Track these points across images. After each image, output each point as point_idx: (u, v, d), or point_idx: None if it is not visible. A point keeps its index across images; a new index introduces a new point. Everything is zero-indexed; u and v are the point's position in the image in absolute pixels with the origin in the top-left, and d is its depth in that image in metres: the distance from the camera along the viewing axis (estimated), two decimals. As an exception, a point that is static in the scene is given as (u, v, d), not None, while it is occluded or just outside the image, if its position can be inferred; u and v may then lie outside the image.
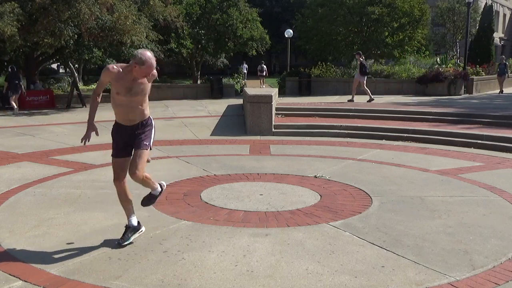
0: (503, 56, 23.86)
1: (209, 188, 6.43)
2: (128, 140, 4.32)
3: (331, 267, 3.96)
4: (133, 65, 4.09)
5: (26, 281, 3.69)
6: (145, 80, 4.20)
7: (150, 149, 4.35)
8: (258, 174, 7.35)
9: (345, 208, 5.61)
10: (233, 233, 4.73)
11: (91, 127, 4.40)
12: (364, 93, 16.37)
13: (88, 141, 4.38)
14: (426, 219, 5.24)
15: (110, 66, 4.22)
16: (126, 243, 4.34)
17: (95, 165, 7.91)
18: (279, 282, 3.70)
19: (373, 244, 4.48)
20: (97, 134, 4.41)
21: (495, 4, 50.52)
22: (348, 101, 16.20)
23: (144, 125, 4.34)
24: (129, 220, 4.47)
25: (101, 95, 4.38)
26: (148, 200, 4.62)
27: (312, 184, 6.69)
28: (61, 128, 12.38)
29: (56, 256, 4.17)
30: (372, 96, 16.29)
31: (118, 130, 4.38)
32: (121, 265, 3.99)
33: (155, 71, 4.21)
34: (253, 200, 5.88)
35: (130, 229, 4.43)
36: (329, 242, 4.52)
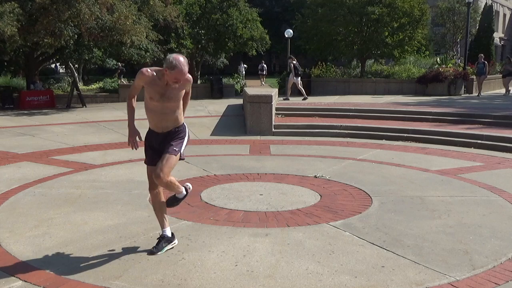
0: (482, 55, 21.99)
1: (209, 188, 6.43)
2: (160, 148, 4.14)
3: (331, 267, 3.96)
4: (164, 69, 3.96)
5: (26, 281, 3.69)
6: (180, 85, 4.05)
7: (181, 157, 4.14)
8: (258, 174, 7.35)
9: (345, 208, 5.61)
10: (233, 233, 4.73)
11: (133, 132, 4.17)
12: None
13: (137, 147, 4.17)
14: (426, 219, 5.24)
15: (144, 69, 4.06)
16: (160, 252, 4.20)
17: (95, 165, 7.91)
18: (279, 282, 3.70)
19: (373, 244, 4.48)
20: (140, 138, 4.19)
21: (495, 4, 50.51)
22: (284, 99, 17.21)
23: (177, 132, 4.16)
24: (163, 231, 4.33)
25: (135, 97, 4.21)
26: (172, 203, 4.42)
27: (312, 184, 6.69)
28: (61, 128, 12.38)
29: (56, 256, 4.17)
30: (306, 96, 17.51)
31: (150, 137, 4.22)
32: (121, 265, 3.99)
33: (189, 76, 4.06)
34: (253, 200, 5.88)
35: (164, 240, 4.28)
36: (329, 242, 4.52)
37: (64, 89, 21.60)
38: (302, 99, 16.99)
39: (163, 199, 4.36)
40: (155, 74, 4.01)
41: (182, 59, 3.94)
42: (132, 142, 4.17)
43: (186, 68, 3.93)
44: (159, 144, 4.15)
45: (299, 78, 17.60)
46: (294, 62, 17.37)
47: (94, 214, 5.33)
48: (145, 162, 4.29)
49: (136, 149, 4.19)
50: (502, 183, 6.79)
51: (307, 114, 13.75)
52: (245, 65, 36.52)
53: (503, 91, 24.05)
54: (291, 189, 6.46)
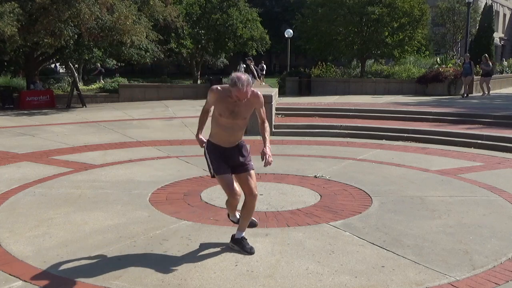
0: (468, 54, 21.02)
1: (209, 188, 6.43)
2: (227, 160, 4.21)
3: (331, 267, 3.96)
4: (229, 86, 4.00)
5: (26, 281, 3.69)
6: (250, 103, 4.10)
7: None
8: (258, 174, 7.32)
9: (345, 208, 5.61)
10: (233, 233, 4.72)
11: (200, 142, 4.41)
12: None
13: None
14: (426, 219, 5.24)
15: (214, 87, 4.16)
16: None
17: (95, 165, 7.91)
18: (279, 282, 3.70)
19: (373, 244, 4.48)
20: (201, 146, 4.38)
21: (495, 4, 50.51)
22: None
23: (241, 146, 4.29)
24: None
25: (208, 112, 4.41)
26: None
27: (312, 184, 6.69)
28: (61, 128, 12.38)
29: (56, 256, 4.17)
30: None
31: (215, 149, 4.23)
32: (121, 265, 3.98)
33: (257, 92, 4.12)
34: (253, 200, 5.87)
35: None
36: (329, 242, 4.52)
37: (64, 89, 21.58)
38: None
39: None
40: (223, 91, 4.06)
41: (243, 77, 3.96)
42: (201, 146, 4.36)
43: (245, 86, 3.92)
44: (225, 158, 4.21)
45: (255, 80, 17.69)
46: (252, 64, 17.57)
47: (94, 214, 5.33)
48: (219, 174, 4.18)
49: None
50: (502, 183, 6.79)
51: (307, 114, 13.75)
52: (244, 65, 36.36)
53: (503, 91, 24.07)
54: (291, 189, 6.46)
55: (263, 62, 36.16)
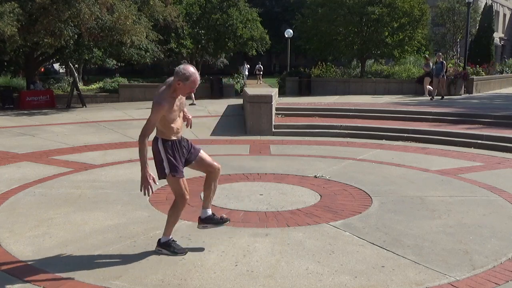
0: (440, 54, 19.55)
1: (209, 188, 6.42)
2: (181, 155, 4.14)
3: (331, 267, 3.96)
4: (175, 83, 3.93)
5: (26, 281, 3.69)
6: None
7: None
8: (258, 174, 7.35)
9: (345, 208, 5.61)
10: (233, 233, 4.73)
11: (148, 175, 3.92)
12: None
13: (149, 193, 3.95)
14: (426, 219, 5.24)
15: (160, 101, 3.90)
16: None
17: (95, 165, 7.92)
18: (279, 282, 3.70)
19: (373, 244, 4.48)
20: (155, 182, 3.98)
21: (495, 4, 50.52)
22: (189, 104, 17.22)
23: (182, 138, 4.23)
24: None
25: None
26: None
27: (312, 184, 6.69)
28: (61, 128, 12.38)
29: (56, 256, 4.17)
30: (194, 102, 17.47)
31: (171, 146, 4.06)
32: (121, 265, 3.98)
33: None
34: (253, 200, 5.88)
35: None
36: (329, 242, 4.52)
37: (64, 89, 21.60)
38: (189, 104, 17.22)
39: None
40: (167, 97, 3.94)
41: (192, 68, 3.98)
42: (147, 188, 3.91)
43: (198, 76, 4.00)
44: (182, 151, 4.15)
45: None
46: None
47: (94, 214, 5.33)
48: (178, 176, 4.05)
49: (149, 195, 3.99)
50: (502, 183, 6.79)
51: (307, 114, 13.75)
52: (248, 65, 36.16)
53: (503, 91, 24.04)
54: (291, 189, 6.46)
55: (259, 62, 36.11)
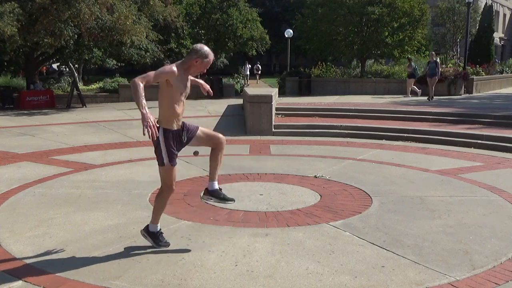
0: (433, 53, 19.02)
1: (209, 188, 6.42)
2: (179, 145, 4.13)
3: (331, 267, 3.96)
4: (193, 60, 3.94)
5: (26, 281, 3.69)
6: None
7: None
8: (258, 174, 7.35)
9: (345, 208, 5.61)
10: (233, 233, 4.73)
11: (149, 114, 3.71)
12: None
13: (157, 134, 3.81)
14: (426, 219, 5.24)
15: (170, 67, 3.89)
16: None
17: (95, 165, 7.91)
18: (279, 282, 3.70)
19: (373, 244, 4.48)
20: (151, 124, 3.77)
21: (495, 4, 50.52)
22: None
23: (183, 124, 4.18)
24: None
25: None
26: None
27: (312, 184, 6.69)
28: (61, 128, 12.38)
29: (56, 256, 4.17)
30: None
31: (170, 136, 4.02)
32: (121, 265, 3.99)
33: None
34: (253, 200, 5.88)
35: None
36: (329, 242, 4.51)
37: (64, 89, 21.61)
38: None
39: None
40: (179, 70, 3.95)
41: (206, 47, 4.06)
42: (148, 127, 3.69)
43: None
44: (178, 141, 4.11)
45: None
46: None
47: (94, 214, 5.32)
48: (171, 164, 4.06)
49: (155, 138, 3.83)
50: (502, 183, 6.79)
51: (307, 114, 13.75)
52: (249, 65, 35.89)
53: (503, 91, 24.06)
54: (291, 189, 6.46)
55: (258, 62, 36.04)
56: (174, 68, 3.90)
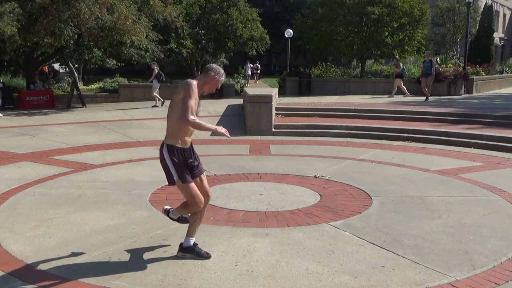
0: (429, 52, 18.72)
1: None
2: (187, 164, 4.03)
3: (331, 267, 3.96)
4: (210, 78, 3.99)
5: (26, 281, 3.69)
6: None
7: None
8: (258, 174, 7.35)
9: (345, 208, 5.61)
10: (233, 233, 4.73)
11: (217, 129, 4.02)
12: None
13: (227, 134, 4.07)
14: (426, 219, 5.24)
15: (193, 84, 3.90)
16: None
17: (95, 165, 7.91)
18: (279, 282, 3.70)
19: (373, 244, 4.48)
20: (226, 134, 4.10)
21: (495, 4, 50.50)
22: (152, 106, 17.31)
23: (192, 146, 4.12)
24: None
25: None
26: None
27: (312, 184, 6.69)
28: (61, 128, 12.38)
29: (56, 256, 4.17)
30: (162, 100, 17.28)
31: (178, 154, 3.96)
32: (121, 265, 3.99)
33: None
34: (253, 200, 5.88)
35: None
36: (329, 242, 4.51)
37: (64, 89, 21.60)
38: (152, 106, 17.32)
39: None
40: (197, 85, 3.95)
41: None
42: (224, 132, 4.02)
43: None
44: (186, 160, 4.02)
45: (159, 84, 17.71)
46: (157, 68, 17.66)
47: (94, 214, 5.33)
48: (186, 181, 3.96)
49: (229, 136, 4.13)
50: (502, 183, 6.79)
51: (307, 114, 13.75)
52: (251, 65, 35.59)
53: (503, 91, 24.05)
54: (291, 189, 6.46)
55: (257, 62, 35.94)
56: (195, 83, 3.94)
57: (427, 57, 17.71)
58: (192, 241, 4.16)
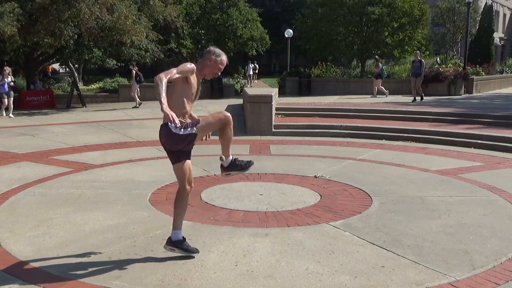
0: (418, 52, 18.29)
1: (209, 188, 6.43)
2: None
3: (331, 267, 3.96)
4: (207, 60, 3.98)
5: (26, 281, 3.69)
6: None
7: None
8: (258, 174, 7.34)
9: (345, 208, 5.61)
10: (233, 233, 4.73)
11: (170, 114, 3.68)
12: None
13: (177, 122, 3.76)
14: (426, 219, 5.24)
15: (190, 64, 3.93)
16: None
17: (95, 165, 7.91)
18: (279, 282, 3.70)
19: (373, 244, 4.48)
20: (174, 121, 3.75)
21: (495, 4, 50.52)
22: (133, 107, 17.37)
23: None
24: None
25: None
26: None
27: (312, 184, 6.69)
28: (61, 128, 12.38)
29: (56, 256, 4.17)
30: (140, 101, 17.56)
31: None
32: (121, 265, 3.98)
33: None
34: (253, 200, 5.88)
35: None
36: (329, 242, 4.51)
37: (64, 89, 21.60)
38: (132, 107, 17.37)
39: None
40: (196, 68, 3.95)
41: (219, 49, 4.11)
42: (174, 117, 3.68)
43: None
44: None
45: (139, 85, 17.77)
46: (135, 69, 17.77)
47: (94, 214, 5.32)
48: (187, 159, 4.15)
49: (179, 125, 3.83)
50: (502, 183, 6.79)
51: (307, 114, 13.75)
52: (252, 65, 35.35)
53: (503, 91, 24.06)
54: (291, 189, 6.46)
55: (255, 62, 35.86)
56: (193, 65, 3.95)
57: (416, 57, 17.35)
58: (181, 234, 4.16)
